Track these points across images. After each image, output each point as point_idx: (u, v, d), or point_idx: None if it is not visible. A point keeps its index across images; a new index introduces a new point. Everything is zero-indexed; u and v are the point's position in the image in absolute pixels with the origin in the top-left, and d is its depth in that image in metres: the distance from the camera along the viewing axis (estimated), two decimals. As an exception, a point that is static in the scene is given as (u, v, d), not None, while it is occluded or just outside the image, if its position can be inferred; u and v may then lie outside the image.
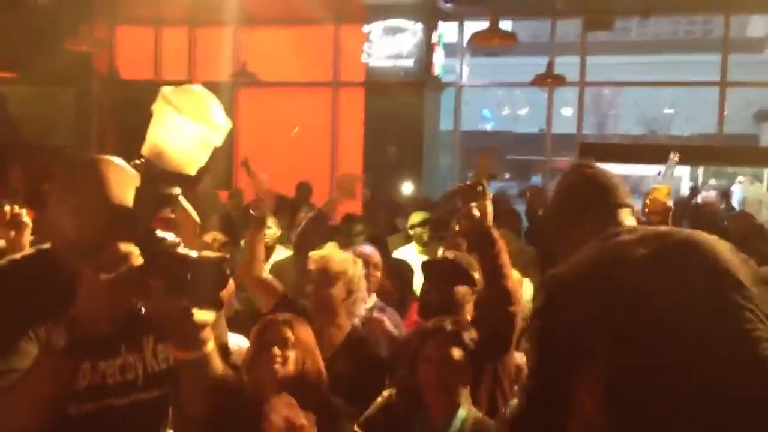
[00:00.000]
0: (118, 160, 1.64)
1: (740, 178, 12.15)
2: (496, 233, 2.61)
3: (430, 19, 10.32)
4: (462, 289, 2.95)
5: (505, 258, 2.61)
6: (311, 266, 3.06)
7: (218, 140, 1.59)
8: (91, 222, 1.54)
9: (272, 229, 4.86)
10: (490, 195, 2.62)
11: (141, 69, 11.44)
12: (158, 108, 1.54)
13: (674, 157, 3.20)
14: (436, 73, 10.64)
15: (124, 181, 1.58)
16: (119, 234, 1.44)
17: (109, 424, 1.62)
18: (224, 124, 1.59)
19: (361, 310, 3.21)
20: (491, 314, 2.65)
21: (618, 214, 1.84)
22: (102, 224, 1.52)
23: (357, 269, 3.12)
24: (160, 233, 1.47)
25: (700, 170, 16.36)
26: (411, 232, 5.53)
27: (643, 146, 17.33)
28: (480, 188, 2.60)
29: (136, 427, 1.66)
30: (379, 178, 9.57)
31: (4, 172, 7.82)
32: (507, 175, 23.12)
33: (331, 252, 3.20)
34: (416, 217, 5.56)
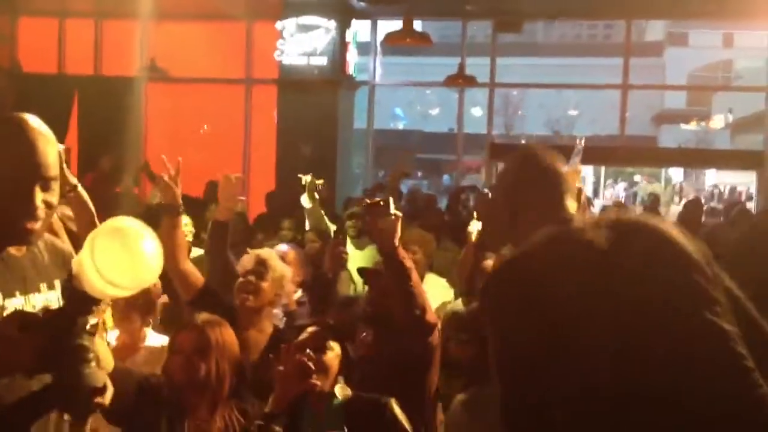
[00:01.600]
0: (33, 118, 1.72)
1: (637, 178, 12.70)
2: (403, 254, 2.57)
3: (344, 17, 10.35)
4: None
5: (414, 280, 2.58)
6: (248, 263, 3.07)
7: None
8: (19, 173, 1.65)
9: (188, 226, 4.80)
10: (396, 212, 2.57)
11: (45, 62, 11.06)
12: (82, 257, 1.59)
13: (580, 143, 3.34)
14: (349, 72, 10.68)
15: (44, 135, 1.69)
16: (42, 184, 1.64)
17: None
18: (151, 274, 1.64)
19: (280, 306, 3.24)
20: (405, 345, 2.63)
21: (566, 200, 1.87)
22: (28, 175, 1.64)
23: (286, 268, 3.16)
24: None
25: (602, 170, 16.95)
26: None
27: (549, 147, 17.78)
28: (384, 204, 2.57)
29: None
30: (293, 176, 9.53)
31: None
32: (419, 174, 23.40)
33: (269, 251, 3.24)
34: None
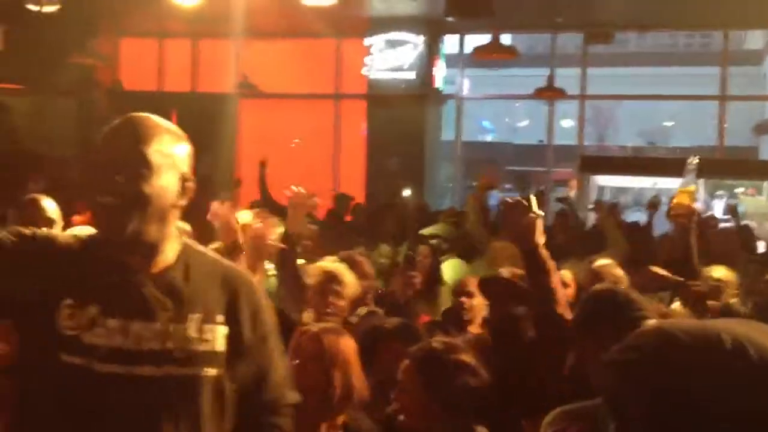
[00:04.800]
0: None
1: (739, 190, 12.21)
2: (544, 252, 2.51)
3: (432, 31, 10.39)
4: (520, 310, 2.82)
5: (554, 280, 2.50)
6: (311, 279, 3.08)
7: None
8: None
9: None
10: (537, 211, 2.53)
11: (144, 81, 11.51)
12: None
13: (693, 161, 3.17)
14: (437, 86, 10.70)
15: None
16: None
17: (137, 391, 1.58)
18: None
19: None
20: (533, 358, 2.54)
21: None
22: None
23: (355, 282, 3.16)
24: None
25: (701, 183, 16.32)
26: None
27: (643, 159, 17.37)
28: (527, 202, 2.54)
29: (164, 400, 1.60)
30: (381, 190, 9.62)
31: (24, 181, 7.85)
32: (507, 186, 23.16)
33: (337, 265, 3.23)
34: (432, 229, 5.60)
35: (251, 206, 8.29)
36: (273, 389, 1.79)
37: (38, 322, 1.56)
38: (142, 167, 1.62)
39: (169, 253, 1.67)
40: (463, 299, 3.56)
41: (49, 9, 8.32)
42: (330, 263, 3.27)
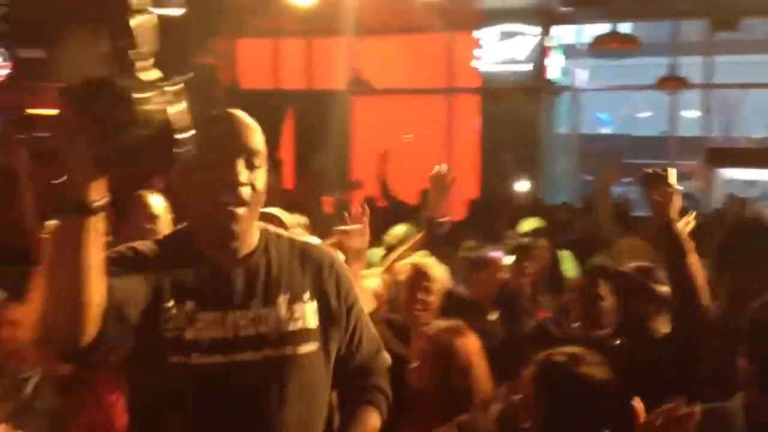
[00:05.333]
0: (240, 112, 1.72)
1: None
2: (679, 228, 2.43)
3: (546, 22, 10.17)
4: (649, 308, 2.71)
5: (692, 261, 2.38)
6: (401, 275, 3.06)
7: None
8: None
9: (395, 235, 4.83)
10: (675, 185, 2.47)
11: (261, 79, 11.81)
12: None
13: None
14: (551, 77, 10.48)
15: (248, 123, 1.69)
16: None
17: (242, 377, 1.62)
18: None
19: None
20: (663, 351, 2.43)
21: None
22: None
23: (447, 277, 3.11)
24: None
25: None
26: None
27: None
28: (663, 175, 2.49)
29: (267, 382, 1.64)
30: (495, 184, 9.51)
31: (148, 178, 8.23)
32: (627, 179, 22.42)
33: (426, 260, 3.18)
34: (527, 225, 5.46)
35: (366, 202, 8.41)
36: (367, 353, 1.84)
37: (144, 329, 1.57)
38: (261, 162, 1.66)
39: (252, 239, 1.70)
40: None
41: (173, 13, 8.66)
42: (419, 258, 3.23)
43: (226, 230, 1.63)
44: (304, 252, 1.78)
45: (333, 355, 1.76)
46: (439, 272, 3.08)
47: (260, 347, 1.63)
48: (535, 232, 5.22)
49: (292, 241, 1.80)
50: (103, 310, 1.43)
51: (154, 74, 1.62)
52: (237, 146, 1.62)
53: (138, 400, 1.68)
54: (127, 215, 3.25)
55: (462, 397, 2.34)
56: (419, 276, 3.02)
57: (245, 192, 1.61)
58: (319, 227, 3.38)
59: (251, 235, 1.70)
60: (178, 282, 1.61)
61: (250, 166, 1.63)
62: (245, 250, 1.69)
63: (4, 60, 12.05)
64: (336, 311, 1.76)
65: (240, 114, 1.69)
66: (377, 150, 8.12)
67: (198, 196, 1.62)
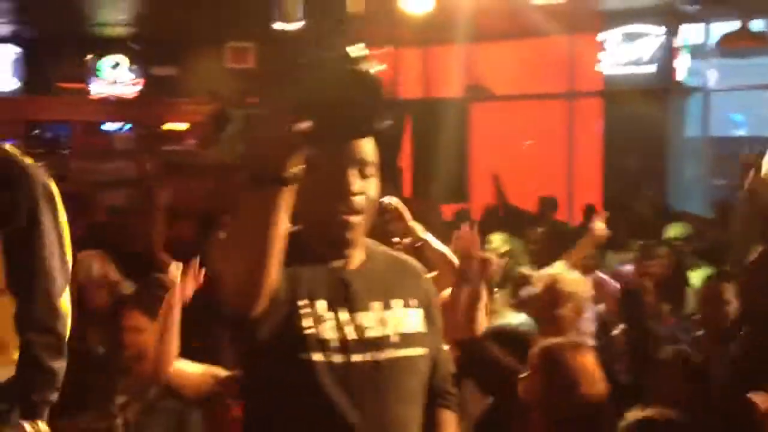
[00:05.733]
0: None
1: None
2: None
3: (672, 21, 9.79)
4: None
5: None
6: (538, 286, 3.03)
7: None
8: None
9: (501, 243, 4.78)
10: None
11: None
12: None
13: None
14: (679, 79, 10.07)
15: None
16: None
17: (364, 377, 1.68)
18: None
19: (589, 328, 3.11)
20: None
21: None
22: None
23: (585, 289, 3.03)
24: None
25: None
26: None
27: None
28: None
29: (386, 382, 1.70)
30: (619, 191, 9.23)
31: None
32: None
33: (560, 272, 3.12)
34: (675, 230, 5.26)
35: (486, 211, 8.35)
36: (445, 370, 1.93)
37: (281, 326, 1.65)
38: (374, 171, 1.72)
39: (361, 249, 1.78)
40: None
41: (293, 27, 8.89)
42: (557, 269, 3.18)
43: (341, 238, 1.71)
44: (403, 262, 1.89)
45: (433, 361, 1.83)
46: (576, 286, 3.02)
47: (382, 348, 1.70)
48: (678, 239, 5.06)
49: (392, 254, 1.91)
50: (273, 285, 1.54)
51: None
52: (350, 156, 1.67)
53: (259, 395, 1.73)
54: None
55: (566, 412, 2.30)
56: (553, 290, 2.97)
57: (359, 201, 1.68)
58: (438, 236, 3.36)
59: (363, 241, 1.79)
60: (308, 281, 1.69)
61: (363, 176, 1.69)
62: (359, 256, 1.77)
63: (137, 77, 12.72)
64: (433, 319, 1.85)
65: None
66: (496, 157, 8.06)
67: (312, 204, 1.66)
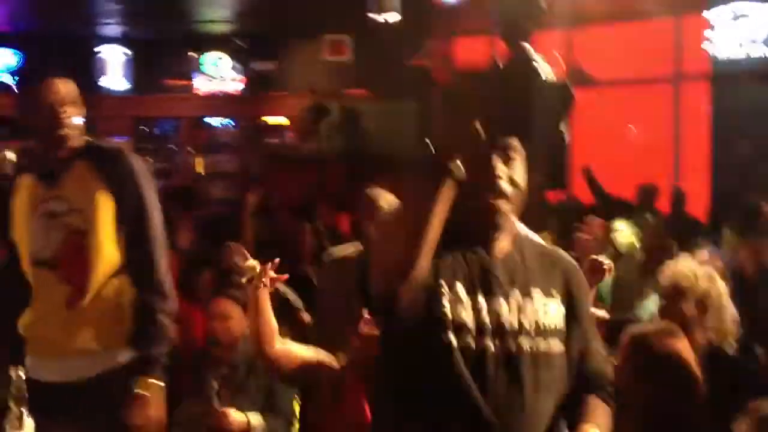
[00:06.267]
0: None
1: None
2: None
3: (788, -2, 9.28)
4: None
5: None
6: (662, 280, 2.93)
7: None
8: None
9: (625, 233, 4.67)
10: None
11: (476, 78, 11.80)
12: None
13: None
14: (797, 58, 9.54)
15: None
16: None
17: (499, 363, 1.70)
18: None
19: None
20: None
21: None
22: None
23: (714, 284, 2.89)
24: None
25: None
26: None
27: None
28: None
29: (522, 370, 1.71)
30: (729, 180, 8.84)
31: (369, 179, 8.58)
32: None
33: (683, 265, 3.00)
34: None
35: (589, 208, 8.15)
36: (597, 364, 1.89)
37: (421, 308, 1.70)
38: (517, 154, 1.77)
39: (509, 235, 1.81)
40: None
41: (390, 18, 8.91)
42: (681, 263, 3.06)
43: (486, 222, 1.76)
44: (553, 256, 1.89)
45: (573, 358, 1.82)
46: (701, 280, 2.90)
47: (519, 336, 1.72)
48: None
49: (541, 245, 1.94)
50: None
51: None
52: (493, 141, 1.72)
53: (392, 376, 1.79)
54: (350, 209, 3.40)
55: (656, 402, 2.25)
56: (676, 285, 2.89)
57: (504, 185, 1.72)
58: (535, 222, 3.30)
59: (510, 226, 1.82)
60: (451, 264, 1.74)
61: (506, 160, 1.74)
62: (504, 242, 1.80)
63: (239, 73, 13.04)
64: (579, 317, 1.84)
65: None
66: (597, 144, 7.84)
67: (458, 189, 1.67)
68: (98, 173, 2.62)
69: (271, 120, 12.92)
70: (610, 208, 7.39)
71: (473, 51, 12.07)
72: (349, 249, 3.22)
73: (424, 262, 1.61)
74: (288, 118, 12.55)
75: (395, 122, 11.55)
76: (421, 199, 1.58)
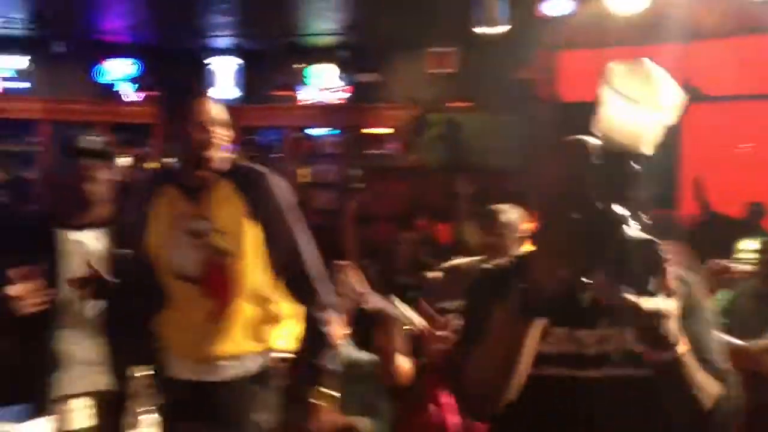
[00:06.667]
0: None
1: None
2: None
3: None
4: None
5: None
6: None
7: (667, 119, 1.64)
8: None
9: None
10: None
11: (584, 91, 11.58)
12: (603, 89, 1.71)
13: None
14: None
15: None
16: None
17: (583, 392, 1.71)
18: (671, 104, 1.61)
19: None
20: None
21: None
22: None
23: None
24: (618, 210, 1.55)
25: None
26: None
27: None
28: None
29: (608, 400, 1.70)
30: None
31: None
32: None
33: None
34: None
35: (694, 220, 7.88)
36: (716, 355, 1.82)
37: None
38: None
39: None
40: None
41: (497, 31, 8.87)
42: None
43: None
44: None
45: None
46: None
47: (602, 365, 1.72)
48: None
49: None
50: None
51: None
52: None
53: None
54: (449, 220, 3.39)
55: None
56: None
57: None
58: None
59: None
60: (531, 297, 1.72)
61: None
62: None
63: (343, 84, 13.23)
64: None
65: (585, 139, 1.77)
66: (710, 161, 7.57)
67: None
68: (242, 195, 2.64)
69: (374, 131, 13.05)
70: (717, 224, 7.13)
71: (581, 64, 11.86)
72: (466, 260, 3.23)
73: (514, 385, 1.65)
74: (390, 128, 12.65)
75: (498, 135, 11.46)
76: (513, 336, 1.61)
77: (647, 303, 1.48)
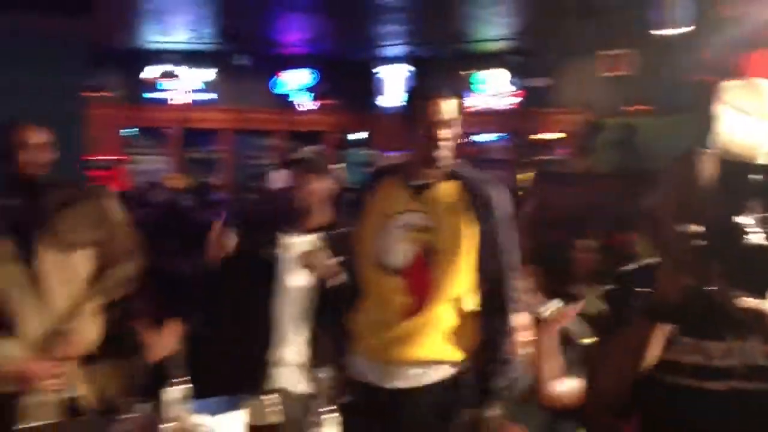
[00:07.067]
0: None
1: None
2: None
3: None
4: None
5: None
6: None
7: None
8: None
9: None
10: None
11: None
12: (716, 106, 1.69)
13: None
14: None
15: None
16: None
17: (708, 405, 1.69)
18: None
19: None
20: None
21: None
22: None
23: None
24: (741, 219, 1.53)
25: None
26: None
27: None
28: None
29: (733, 413, 1.68)
30: None
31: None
32: None
33: None
34: None
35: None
36: None
37: None
38: None
39: None
40: None
41: (679, 31, 8.51)
42: None
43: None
44: None
45: None
46: None
47: (728, 378, 1.69)
48: None
49: None
50: None
51: None
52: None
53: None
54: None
55: None
56: None
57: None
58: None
59: None
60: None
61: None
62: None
63: (514, 89, 13.15)
64: None
65: (705, 151, 1.75)
66: None
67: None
68: (463, 198, 2.60)
69: (544, 136, 12.88)
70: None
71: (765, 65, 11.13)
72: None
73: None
74: (562, 133, 12.43)
75: (676, 138, 10.97)
76: (636, 338, 1.67)
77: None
